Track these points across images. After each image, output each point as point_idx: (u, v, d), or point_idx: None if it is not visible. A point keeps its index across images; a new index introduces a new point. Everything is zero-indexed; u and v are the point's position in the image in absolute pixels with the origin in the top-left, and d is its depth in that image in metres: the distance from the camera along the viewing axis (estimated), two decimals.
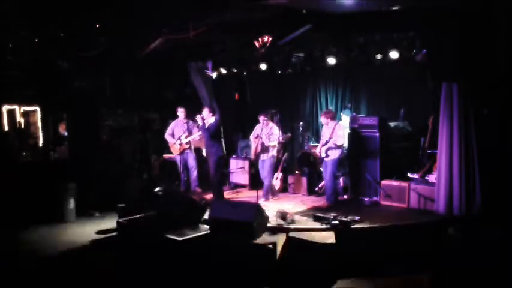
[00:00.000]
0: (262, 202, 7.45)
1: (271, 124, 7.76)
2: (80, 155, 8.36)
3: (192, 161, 8.54)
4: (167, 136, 8.54)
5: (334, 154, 7.21)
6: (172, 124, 8.59)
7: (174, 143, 8.40)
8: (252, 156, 7.97)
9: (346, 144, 8.20)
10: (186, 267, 5.03)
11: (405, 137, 7.87)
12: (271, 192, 7.92)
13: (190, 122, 8.46)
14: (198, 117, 7.54)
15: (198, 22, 6.85)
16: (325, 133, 7.40)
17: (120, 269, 5.38)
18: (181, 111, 8.48)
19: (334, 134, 7.15)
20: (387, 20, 6.51)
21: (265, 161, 7.72)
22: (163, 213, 6.18)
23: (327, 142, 7.21)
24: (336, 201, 7.28)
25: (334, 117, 7.58)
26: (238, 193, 8.67)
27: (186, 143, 8.40)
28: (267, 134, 7.65)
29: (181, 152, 8.39)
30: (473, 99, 6.13)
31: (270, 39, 7.62)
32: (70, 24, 7.09)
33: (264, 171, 7.76)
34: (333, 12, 6.31)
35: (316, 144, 7.93)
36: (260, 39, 7.69)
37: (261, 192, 7.65)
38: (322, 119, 7.46)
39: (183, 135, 8.35)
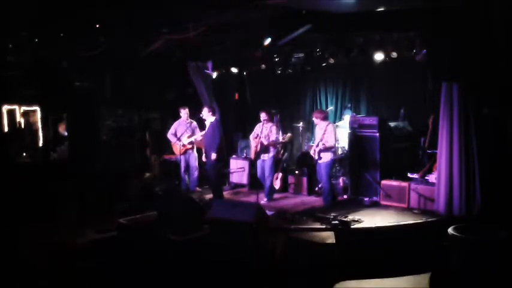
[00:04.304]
0: (264, 202, 7.50)
1: (270, 123, 7.74)
2: (80, 155, 8.35)
3: (193, 162, 8.54)
4: (169, 135, 8.55)
5: (327, 156, 7.15)
6: (175, 124, 8.59)
7: (176, 143, 8.40)
8: (252, 156, 7.96)
9: (345, 145, 8.22)
10: (186, 267, 5.02)
11: (405, 137, 7.86)
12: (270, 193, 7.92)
13: (194, 122, 8.47)
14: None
15: (198, 22, 6.85)
16: (317, 134, 7.36)
17: (120, 269, 5.37)
18: (184, 112, 8.49)
19: (325, 135, 7.11)
20: (387, 20, 6.51)
21: (266, 161, 7.72)
22: (163, 213, 6.18)
23: (318, 144, 7.20)
24: (333, 202, 7.26)
25: (326, 117, 7.51)
26: (238, 193, 8.67)
27: (189, 143, 8.40)
28: (266, 133, 7.64)
29: (184, 152, 8.40)
30: (473, 99, 6.13)
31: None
32: (70, 24, 7.09)
33: (265, 171, 7.75)
34: (332, 12, 6.31)
35: None
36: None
37: (261, 193, 7.63)
38: (314, 119, 7.42)
39: (185, 136, 8.36)
